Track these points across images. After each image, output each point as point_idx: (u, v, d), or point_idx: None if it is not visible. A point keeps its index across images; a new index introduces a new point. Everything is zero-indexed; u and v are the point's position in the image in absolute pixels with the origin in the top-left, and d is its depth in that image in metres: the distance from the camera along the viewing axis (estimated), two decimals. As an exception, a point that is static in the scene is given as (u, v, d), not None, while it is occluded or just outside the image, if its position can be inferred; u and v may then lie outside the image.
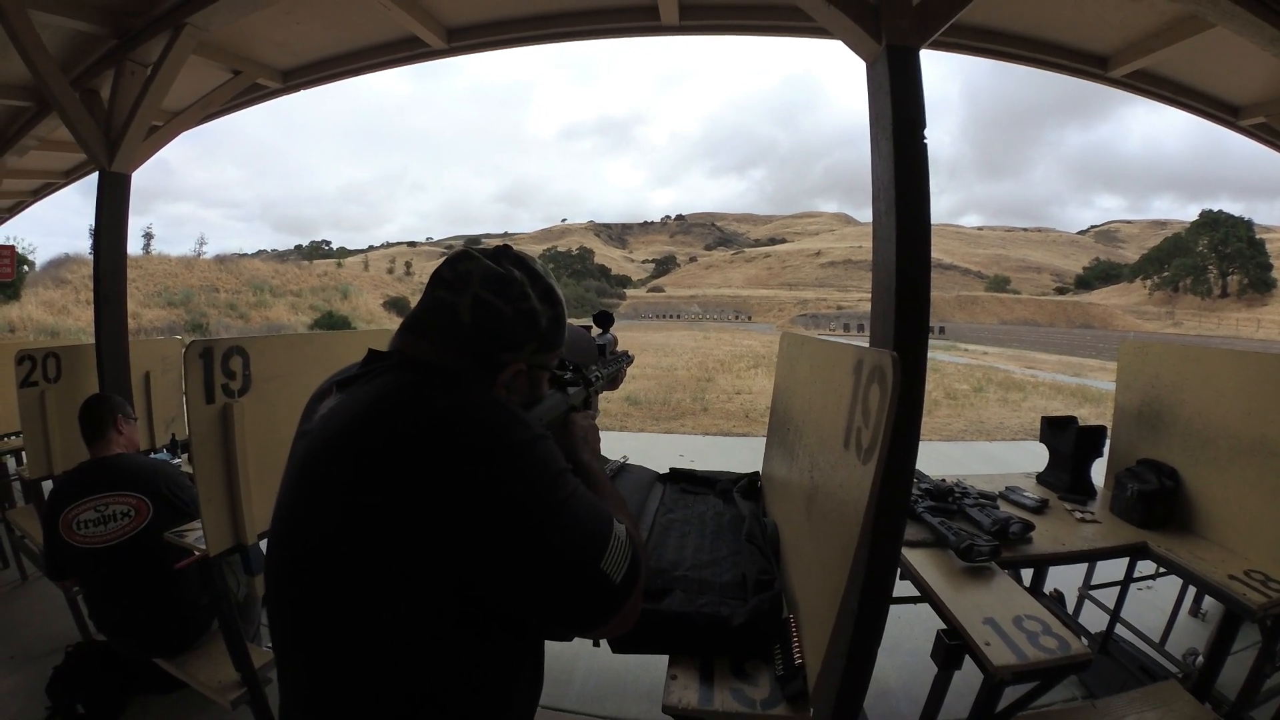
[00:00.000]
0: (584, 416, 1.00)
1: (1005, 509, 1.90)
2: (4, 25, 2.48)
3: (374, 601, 0.64)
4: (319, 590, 0.66)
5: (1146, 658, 2.22)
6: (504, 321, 0.74)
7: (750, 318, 62.38)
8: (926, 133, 1.07)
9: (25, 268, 26.85)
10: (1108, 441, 2.18)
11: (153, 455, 2.77)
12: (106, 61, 2.86)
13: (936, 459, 6.71)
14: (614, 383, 1.35)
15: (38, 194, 6.12)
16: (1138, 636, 2.31)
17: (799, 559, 1.29)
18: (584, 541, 0.67)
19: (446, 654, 0.66)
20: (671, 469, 2.12)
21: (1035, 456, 2.34)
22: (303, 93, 3.57)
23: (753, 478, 2.04)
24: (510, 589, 0.65)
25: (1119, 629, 2.32)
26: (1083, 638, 2.35)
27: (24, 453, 3.09)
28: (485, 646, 0.68)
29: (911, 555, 1.59)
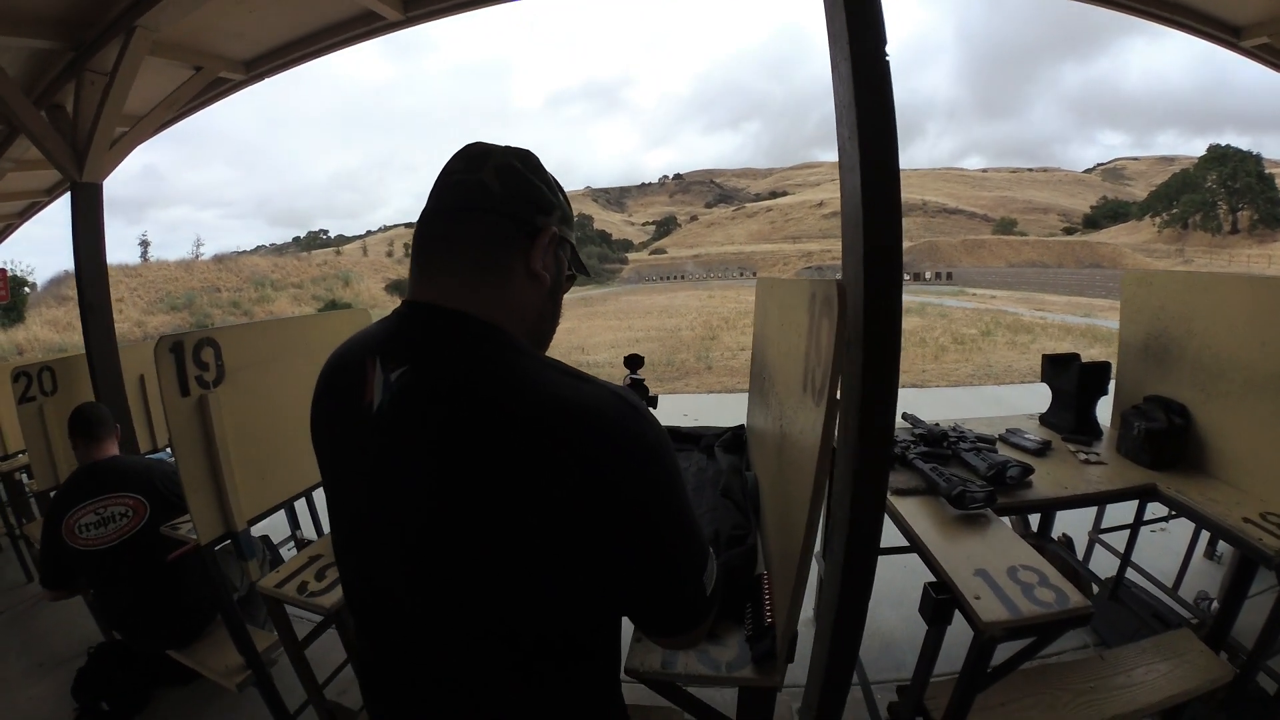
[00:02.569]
0: None
1: (1004, 452, 1.83)
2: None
3: (475, 583, 0.62)
4: (422, 576, 0.65)
5: (1159, 603, 2.16)
6: (532, 184, 0.72)
7: (755, 274, 61.36)
8: (890, 51, 0.98)
9: (27, 289, 27.11)
10: (1113, 379, 2.09)
11: (151, 456, 2.79)
12: (67, 74, 2.85)
13: (943, 404, 6.67)
14: None
15: (24, 214, 6.12)
16: (1150, 581, 2.25)
17: (773, 512, 1.24)
18: (695, 552, 0.66)
19: (550, 628, 0.65)
20: None
21: (1043, 398, 2.23)
22: (282, 85, 3.61)
23: (738, 431, 1.98)
24: (614, 591, 0.65)
25: (1130, 574, 2.26)
26: (1093, 585, 2.33)
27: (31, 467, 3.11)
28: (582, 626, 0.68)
29: (901, 504, 1.53)
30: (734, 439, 1.92)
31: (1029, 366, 8.57)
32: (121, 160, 3.10)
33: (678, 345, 13.03)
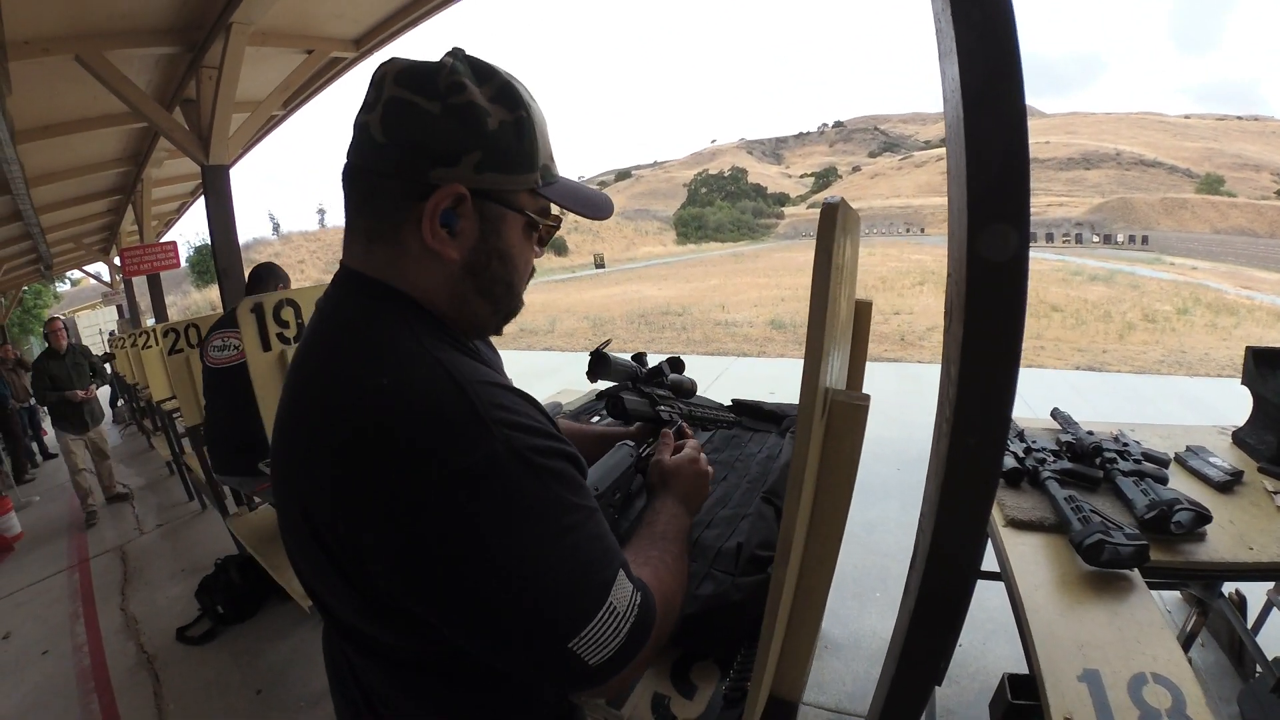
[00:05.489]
0: (687, 466, 0.90)
1: (1177, 481, 1.40)
2: (88, 70, 2.90)
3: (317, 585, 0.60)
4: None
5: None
6: (426, 123, 0.53)
7: (923, 230, 55.23)
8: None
9: (221, 254, 32.96)
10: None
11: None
12: (189, 73, 3.28)
13: (1120, 395, 5.71)
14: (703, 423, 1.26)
15: (195, 193, 7.13)
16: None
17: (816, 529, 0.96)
18: (551, 609, 0.51)
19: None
20: (734, 400, 1.76)
21: (1244, 402, 1.70)
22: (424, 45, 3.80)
23: None
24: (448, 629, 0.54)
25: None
26: (1258, 666, 1.72)
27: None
28: None
29: (1013, 540, 1.18)
30: None
31: (1229, 357, 7.09)
32: (246, 144, 3.44)
33: (824, 306, 12.48)
